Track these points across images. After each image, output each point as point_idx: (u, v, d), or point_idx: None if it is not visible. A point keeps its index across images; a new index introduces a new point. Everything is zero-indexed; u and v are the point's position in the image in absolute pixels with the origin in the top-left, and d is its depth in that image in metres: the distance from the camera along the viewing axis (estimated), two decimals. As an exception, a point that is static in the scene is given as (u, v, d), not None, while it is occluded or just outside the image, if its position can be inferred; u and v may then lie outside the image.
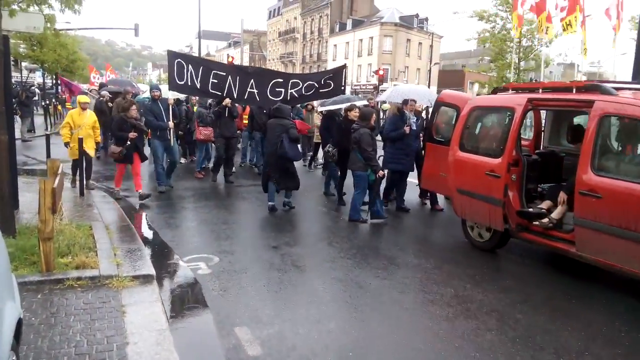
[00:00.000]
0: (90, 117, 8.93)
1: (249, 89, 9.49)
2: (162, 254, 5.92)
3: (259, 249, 6.21)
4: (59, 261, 4.86)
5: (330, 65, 61.70)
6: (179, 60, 9.16)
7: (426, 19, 58.42)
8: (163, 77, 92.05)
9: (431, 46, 57.72)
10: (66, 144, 8.82)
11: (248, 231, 7.16)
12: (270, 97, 9.56)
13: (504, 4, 17.56)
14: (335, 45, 62.83)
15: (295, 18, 72.21)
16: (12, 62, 33.34)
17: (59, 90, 31.77)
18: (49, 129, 20.89)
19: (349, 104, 8.95)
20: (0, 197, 5.19)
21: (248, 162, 13.00)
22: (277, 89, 9.62)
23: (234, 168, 11.17)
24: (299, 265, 5.60)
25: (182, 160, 12.24)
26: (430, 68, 50.04)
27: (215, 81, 9.37)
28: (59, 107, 25.16)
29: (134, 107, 8.48)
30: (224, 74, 9.41)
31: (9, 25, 6.42)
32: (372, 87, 49.41)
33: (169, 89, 9.26)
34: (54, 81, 33.70)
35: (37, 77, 38.41)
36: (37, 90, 30.46)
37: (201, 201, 8.69)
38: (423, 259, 5.96)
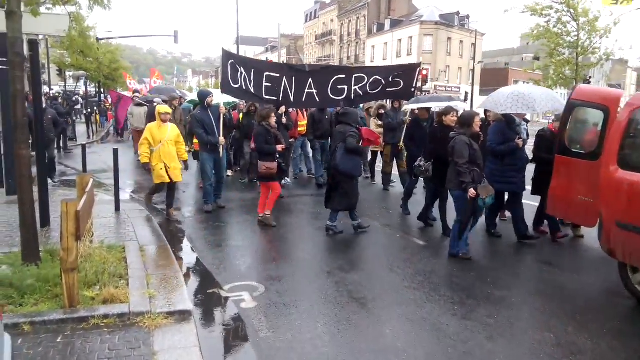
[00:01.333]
0: (172, 130, 7.34)
1: (307, 90, 8.43)
2: (201, 281, 5.23)
3: (310, 274, 5.42)
4: (85, 294, 4.22)
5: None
6: (232, 61, 8.01)
7: (467, 17, 56.55)
8: (202, 83, 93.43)
9: (473, 44, 55.92)
10: (145, 165, 7.38)
11: (298, 252, 6.35)
12: (332, 96, 8.52)
13: (559, -5, 16.28)
14: (373, 47, 61.80)
15: (332, 20, 71.58)
16: (56, 71, 34.33)
17: (102, 99, 32.22)
18: (91, 137, 20.98)
19: (439, 104, 7.78)
20: (22, 222, 4.61)
21: (306, 172, 11.83)
22: (339, 87, 8.51)
23: (289, 179, 10.39)
24: (358, 297, 4.78)
25: (229, 173, 11.26)
26: (473, 67, 48.24)
27: (269, 85, 8.29)
28: (97, 116, 24.80)
29: (273, 115, 7.45)
30: (277, 75, 8.32)
31: (34, 28, 5.92)
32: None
33: (222, 92, 8.14)
34: (97, 89, 34.22)
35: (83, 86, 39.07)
36: (79, 99, 30.87)
37: (246, 216, 7.87)
38: (505, 290, 5.02)
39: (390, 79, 8.60)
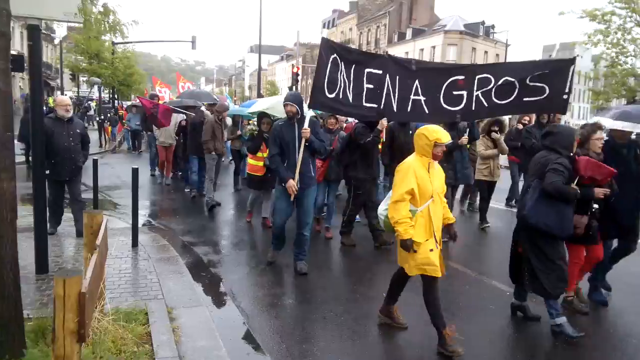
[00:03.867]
0: (440, 174, 3.98)
1: (412, 96, 5.93)
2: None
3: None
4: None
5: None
6: (335, 56, 5.47)
7: (492, 27, 54.86)
8: (216, 90, 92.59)
9: (498, 55, 54.28)
10: (405, 243, 3.70)
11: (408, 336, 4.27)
12: (445, 105, 6.01)
13: (623, 1, 14.56)
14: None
15: (350, 29, 70.30)
16: (70, 76, 33.22)
17: (116, 105, 30.95)
18: (103, 145, 19.56)
19: None
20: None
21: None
22: (454, 92, 5.99)
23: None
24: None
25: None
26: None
27: (371, 86, 5.79)
28: (109, 127, 21.88)
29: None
30: (380, 71, 5.80)
31: (34, 10, 4.39)
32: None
33: (310, 107, 5.60)
34: (111, 95, 32.99)
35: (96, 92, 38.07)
36: (91, 105, 29.55)
37: (322, 268, 5.96)
38: None
39: (529, 82, 5.85)
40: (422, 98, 5.97)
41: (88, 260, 3.17)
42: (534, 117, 8.11)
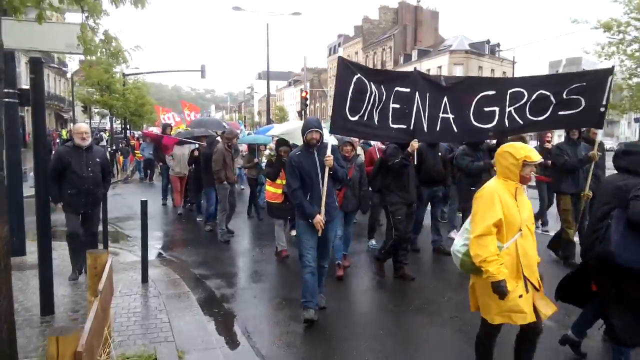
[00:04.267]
0: (528, 202, 3.36)
1: (441, 114, 5.47)
2: None
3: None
4: None
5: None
6: (358, 76, 4.94)
7: (498, 45, 54.99)
8: (227, 117, 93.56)
9: (504, 72, 54.26)
10: (499, 286, 3.03)
11: None
12: (476, 123, 5.50)
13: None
14: (400, 78, 60.46)
15: (356, 53, 70.88)
16: (81, 108, 33.61)
17: (127, 135, 31.14)
18: (115, 176, 19.52)
19: None
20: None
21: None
22: (485, 109, 5.49)
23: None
24: None
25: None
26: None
27: (397, 106, 5.29)
28: (120, 157, 21.76)
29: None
30: (408, 90, 5.30)
31: (36, 42, 4.26)
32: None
33: (331, 132, 4.95)
34: (123, 125, 33.25)
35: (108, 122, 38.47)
36: (104, 135, 29.79)
37: (342, 300, 5.52)
38: None
39: (565, 96, 5.45)
40: (450, 116, 5.47)
41: (91, 304, 2.92)
42: (554, 132, 7.74)
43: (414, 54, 58.64)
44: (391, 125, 5.31)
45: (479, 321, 3.42)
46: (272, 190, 7.14)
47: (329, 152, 4.71)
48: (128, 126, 34.93)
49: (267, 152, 9.16)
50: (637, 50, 15.01)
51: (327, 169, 4.70)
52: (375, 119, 5.18)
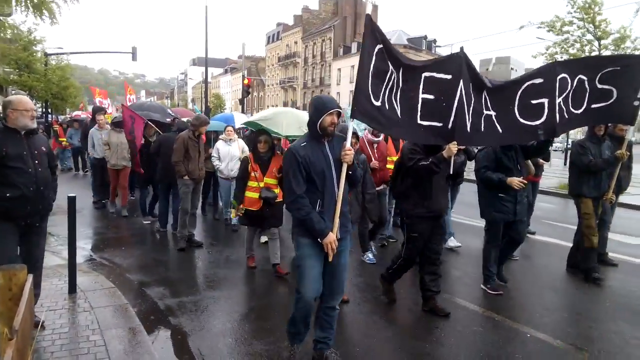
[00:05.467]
0: None
1: (485, 111, 4.34)
2: None
3: None
4: None
5: (335, 90, 59.46)
6: (380, 47, 3.66)
7: (434, 41, 56.27)
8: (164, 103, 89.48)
9: (440, 69, 55.68)
10: None
11: None
12: (522, 120, 4.45)
13: (583, 11, 14.68)
14: (339, 69, 60.52)
15: (295, 42, 70.10)
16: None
17: (49, 120, 28.58)
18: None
19: None
20: None
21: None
22: (532, 101, 4.45)
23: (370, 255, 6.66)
24: None
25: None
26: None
27: (430, 97, 4.01)
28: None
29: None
30: (449, 76, 4.06)
31: None
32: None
33: (352, 116, 3.65)
34: (44, 109, 30.57)
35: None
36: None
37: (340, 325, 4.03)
38: None
39: (598, 84, 4.72)
40: (492, 113, 4.36)
41: (3, 348, 2.17)
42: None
43: (354, 46, 58.76)
44: (419, 122, 4.00)
45: (493, 335, 2.97)
46: (249, 195, 5.91)
47: (348, 142, 3.47)
48: (50, 110, 32.23)
49: (237, 153, 8.13)
50: (579, 50, 15.50)
51: (344, 167, 3.43)
52: (398, 111, 3.87)
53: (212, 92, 70.94)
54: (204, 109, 24.05)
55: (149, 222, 8.73)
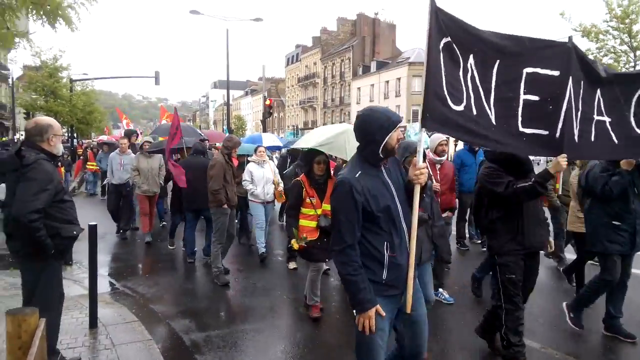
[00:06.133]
0: None
1: (596, 116, 3.56)
2: None
3: None
4: None
5: (355, 109, 59.40)
6: (447, 41, 2.85)
7: (454, 58, 55.83)
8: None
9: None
10: None
11: None
12: (638, 130, 3.70)
13: (619, 19, 14.14)
14: (359, 88, 60.49)
15: (314, 63, 70.55)
16: (24, 115, 31.20)
17: (74, 144, 28.99)
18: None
19: None
20: None
21: None
22: None
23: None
24: None
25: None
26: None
27: (534, 98, 3.24)
28: (62, 168, 18.71)
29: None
30: (557, 73, 3.27)
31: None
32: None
33: (425, 127, 2.78)
34: (69, 134, 31.10)
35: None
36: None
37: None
38: None
39: None
40: (606, 119, 3.58)
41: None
42: None
43: (373, 65, 58.81)
44: (521, 129, 3.20)
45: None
46: (304, 224, 5.09)
47: (420, 159, 2.71)
48: (75, 134, 32.77)
49: (271, 175, 7.55)
50: (615, 60, 14.96)
51: (416, 192, 2.67)
52: (492, 115, 3.09)
53: (233, 114, 71.76)
54: (226, 130, 24.05)
55: (174, 246, 8.40)
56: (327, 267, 6.37)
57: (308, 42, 74.24)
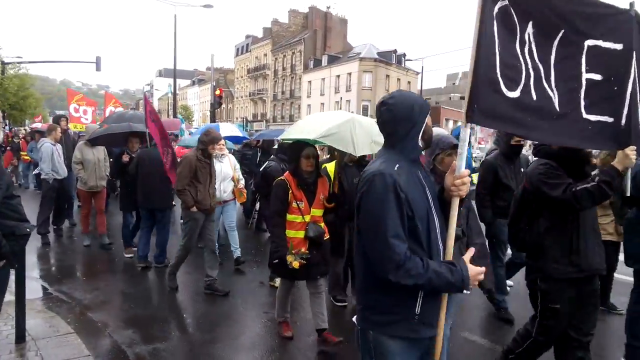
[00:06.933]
0: None
1: None
2: None
3: None
4: None
5: (305, 102, 59.15)
6: (504, 4, 2.15)
7: (404, 55, 56.79)
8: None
9: (409, 82, 56.24)
10: None
11: None
12: None
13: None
14: (309, 82, 60.26)
15: (265, 55, 69.57)
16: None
17: (8, 130, 26.88)
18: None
19: None
20: None
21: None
22: None
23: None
24: None
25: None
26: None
27: (597, 77, 2.52)
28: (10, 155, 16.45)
29: None
30: (619, 46, 2.57)
31: None
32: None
33: (470, 120, 2.08)
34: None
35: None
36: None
37: None
38: None
39: None
40: None
41: None
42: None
43: (324, 59, 58.71)
44: (585, 116, 2.51)
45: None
46: (291, 235, 4.18)
47: (463, 164, 2.10)
48: (7, 121, 30.54)
49: (230, 171, 6.65)
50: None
51: (454, 205, 2.08)
52: (555, 100, 2.39)
53: (179, 104, 69.51)
54: (181, 119, 23.09)
55: (132, 255, 7.19)
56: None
57: (259, 33, 73.08)
